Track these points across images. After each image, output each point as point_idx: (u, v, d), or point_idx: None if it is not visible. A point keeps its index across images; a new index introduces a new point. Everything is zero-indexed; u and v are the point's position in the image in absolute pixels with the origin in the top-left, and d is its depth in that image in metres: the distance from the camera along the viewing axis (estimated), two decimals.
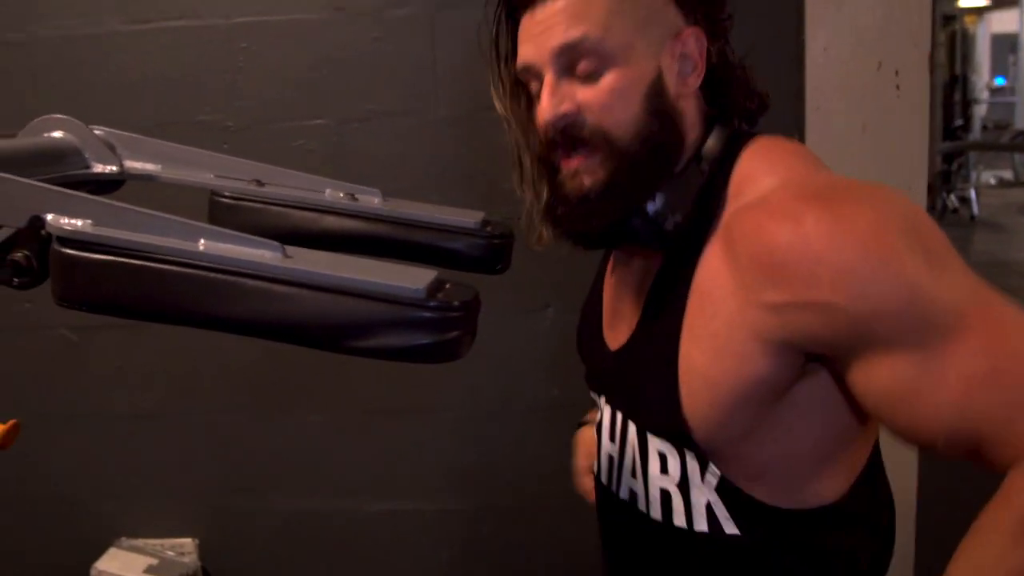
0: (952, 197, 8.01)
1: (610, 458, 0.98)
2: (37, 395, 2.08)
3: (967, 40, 9.99)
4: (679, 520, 0.88)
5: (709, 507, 0.86)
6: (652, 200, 0.86)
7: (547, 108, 0.86)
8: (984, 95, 15.45)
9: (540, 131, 0.89)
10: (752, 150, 0.88)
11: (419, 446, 2.04)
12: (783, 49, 1.56)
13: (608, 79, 0.85)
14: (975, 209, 8.07)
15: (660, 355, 0.87)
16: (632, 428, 0.93)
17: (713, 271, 0.83)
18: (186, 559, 2.11)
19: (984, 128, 11.48)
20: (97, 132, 1.18)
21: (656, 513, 0.90)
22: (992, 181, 9.40)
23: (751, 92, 0.93)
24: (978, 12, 16.03)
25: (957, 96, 8.93)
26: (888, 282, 0.73)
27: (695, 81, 0.89)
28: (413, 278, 0.82)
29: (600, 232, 0.89)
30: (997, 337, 0.72)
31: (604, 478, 1.00)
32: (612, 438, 0.97)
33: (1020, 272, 6.41)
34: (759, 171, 0.85)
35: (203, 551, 2.12)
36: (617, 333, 0.98)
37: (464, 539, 2.07)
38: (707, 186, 0.87)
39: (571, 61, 0.85)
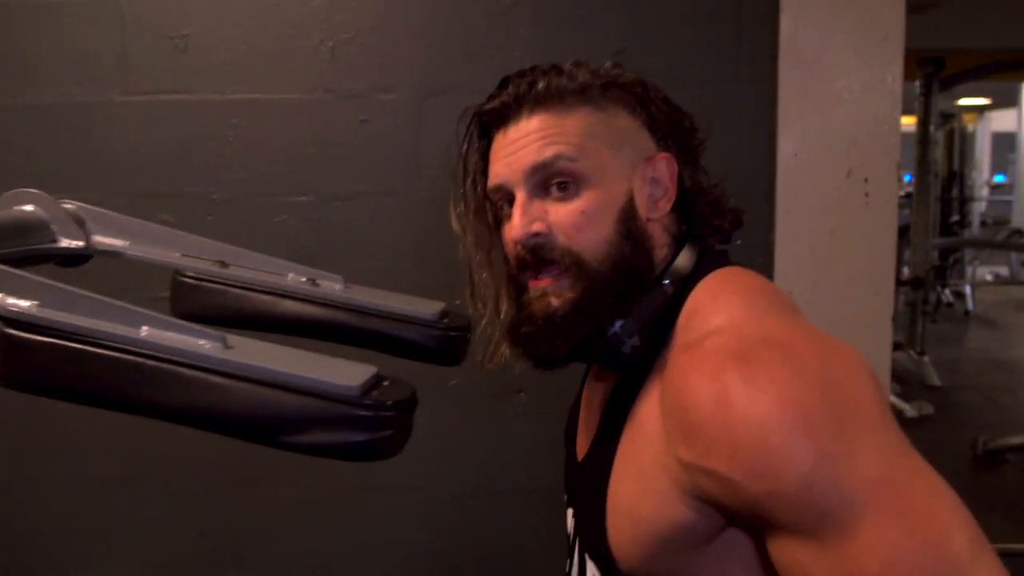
0: (947, 292, 8.04)
1: (567, 564, 0.98)
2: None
3: (965, 138, 10.14)
4: None
5: None
6: (612, 324, 0.85)
7: (518, 226, 0.87)
8: (984, 192, 15.64)
9: (510, 250, 0.90)
10: (709, 280, 0.87)
11: (383, 527, 2.02)
12: (756, 152, 1.59)
13: (580, 200, 0.86)
14: (969, 304, 8.10)
15: (597, 479, 0.87)
16: (578, 544, 0.93)
17: (650, 405, 0.82)
18: None
19: (983, 224, 11.57)
20: (67, 206, 1.20)
21: None
22: (988, 277, 9.45)
23: (723, 211, 0.93)
24: (979, 111, 16.34)
25: (955, 192, 9.01)
26: (785, 465, 0.67)
27: (665, 205, 0.90)
28: (350, 374, 0.83)
29: (564, 355, 0.88)
30: (890, 539, 0.65)
31: None
32: (568, 547, 0.97)
33: (1010, 369, 6.41)
34: (708, 307, 0.83)
35: None
36: (582, 444, 0.98)
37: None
38: (668, 307, 0.86)
39: (544, 180, 0.86)
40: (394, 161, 1.92)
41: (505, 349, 0.96)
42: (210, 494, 2.05)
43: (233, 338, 0.84)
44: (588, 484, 0.90)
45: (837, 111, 1.53)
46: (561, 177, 0.85)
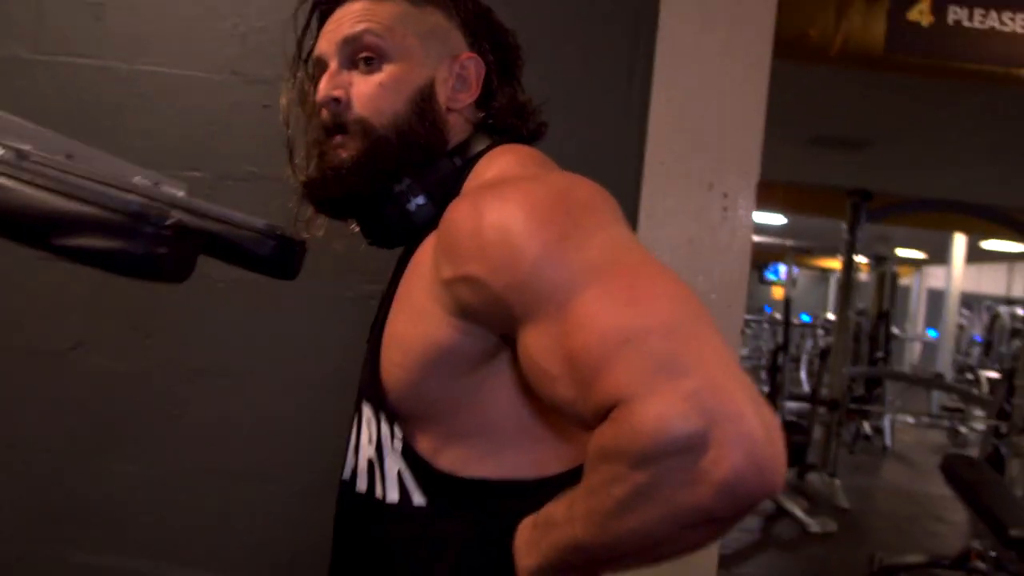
0: (866, 425, 8.16)
1: (347, 442, 0.99)
2: None
3: (895, 280, 10.50)
4: (379, 491, 0.89)
5: (400, 476, 0.87)
6: (399, 183, 0.93)
7: (321, 90, 0.96)
8: (916, 346, 16.07)
9: (317, 118, 0.98)
10: (492, 152, 0.96)
11: (229, 513, 1.96)
12: (625, 154, 1.67)
13: (380, 74, 0.94)
14: (887, 440, 8.22)
15: (377, 326, 0.92)
16: (358, 400, 0.95)
17: (425, 251, 0.88)
18: None
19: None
20: None
21: (362, 485, 0.91)
22: (910, 420, 9.61)
23: (525, 116, 1.01)
24: (915, 265, 16.99)
25: (882, 330, 9.26)
26: (519, 255, 0.74)
27: (466, 99, 0.98)
28: (139, 196, 0.85)
29: (341, 200, 0.95)
30: (611, 303, 0.70)
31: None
32: (351, 420, 0.98)
33: (918, 502, 6.47)
34: (484, 167, 0.93)
35: None
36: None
37: None
38: (455, 177, 0.94)
39: (352, 54, 0.95)
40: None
41: (321, 220, 1.01)
42: (46, 466, 1.98)
43: (36, 154, 0.86)
44: (372, 337, 0.93)
45: (703, 127, 1.61)
46: (367, 51, 0.94)
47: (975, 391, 8.08)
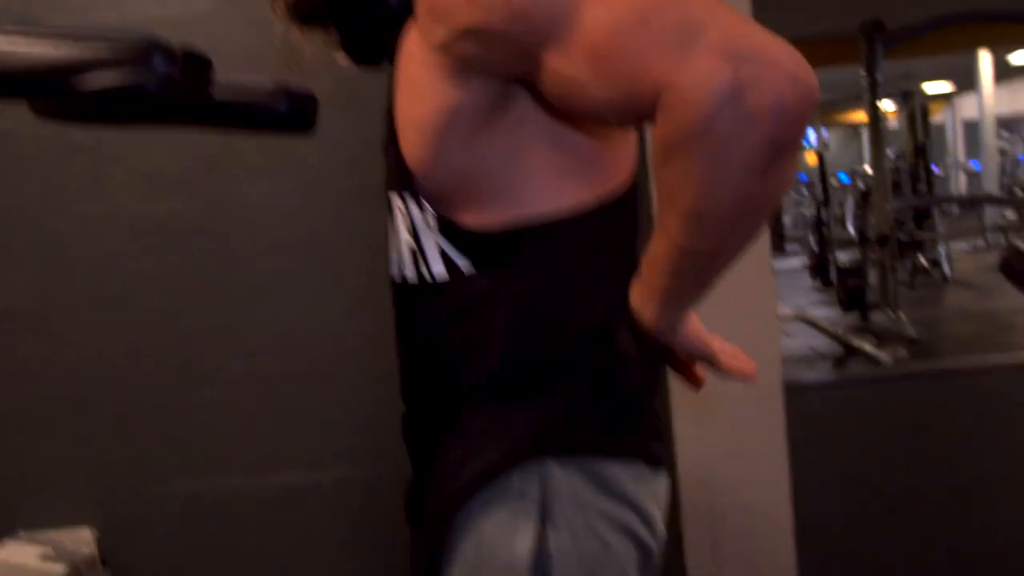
0: (922, 258, 8.08)
1: (389, 253, 1.01)
2: None
3: (926, 114, 10.27)
4: (426, 273, 0.91)
5: (441, 249, 0.89)
6: None
7: None
8: (960, 176, 15.75)
9: None
10: None
11: (311, 414, 2.04)
12: None
13: None
14: (946, 269, 8.13)
15: (388, 116, 0.93)
16: (388, 196, 0.97)
17: (410, 33, 0.89)
18: (84, 549, 2.07)
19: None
20: None
21: (411, 274, 0.93)
22: (964, 247, 9.50)
23: None
24: (945, 99, 16.55)
25: (921, 166, 9.10)
26: None
27: None
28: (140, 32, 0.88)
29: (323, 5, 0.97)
30: (605, 7, 0.71)
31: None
32: (386, 229, 1.01)
33: (989, 321, 6.41)
34: None
35: (102, 539, 2.08)
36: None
37: (361, 509, 2.04)
38: None
39: None
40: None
41: (307, 52, 1.02)
42: (135, 405, 2.07)
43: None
44: (388, 137, 0.94)
45: None
46: None
47: None
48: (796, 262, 10.41)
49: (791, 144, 0.66)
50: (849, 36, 6.48)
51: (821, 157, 8.17)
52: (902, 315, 6.05)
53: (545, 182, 0.86)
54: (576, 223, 0.87)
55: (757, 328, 1.78)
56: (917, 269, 8.04)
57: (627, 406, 0.91)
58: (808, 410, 2.15)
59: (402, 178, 0.90)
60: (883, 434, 2.31)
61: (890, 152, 9.11)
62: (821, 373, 3.86)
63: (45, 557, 2.01)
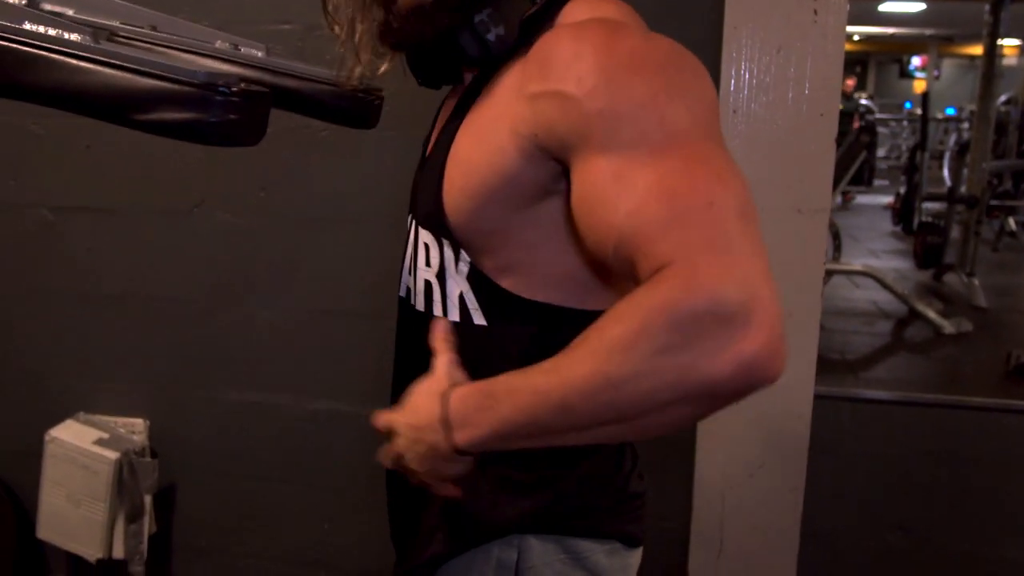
0: (1011, 220, 7.75)
1: (402, 263, 1.05)
2: (8, 272, 2.23)
3: None
4: (437, 310, 0.94)
5: (462, 298, 0.92)
6: (479, 12, 0.91)
7: None
8: None
9: None
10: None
11: (358, 350, 2.12)
12: None
13: None
14: None
15: (441, 150, 0.94)
16: (413, 225, 0.99)
17: (507, 75, 0.89)
18: (136, 437, 2.23)
19: None
20: None
21: (420, 304, 0.97)
22: None
23: None
24: None
25: None
26: (624, 88, 0.76)
27: None
28: (206, 67, 0.90)
29: (432, 38, 0.93)
30: (691, 168, 0.72)
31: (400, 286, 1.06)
32: (406, 243, 1.03)
33: None
34: (583, 11, 0.90)
35: (152, 432, 2.23)
36: (429, 147, 1.05)
37: None
38: (535, 17, 0.93)
39: None
40: None
41: (359, 69, 1.01)
42: (196, 314, 2.18)
43: (126, 28, 0.92)
44: (430, 163, 0.95)
45: None
46: None
47: None
48: (884, 199, 10.08)
49: (721, 400, 0.66)
50: None
51: (926, 96, 7.75)
52: (976, 281, 5.86)
53: (575, 272, 0.88)
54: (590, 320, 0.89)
55: (793, 340, 1.76)
56: (1004, 231, 7.73)
57: (611, 493, 0.95)
58: (835, 421, 2.15)
59: (436, 218, 0.91)
60: (904, 456, 2.28)
61: (1002, 97, 8.64)
62: (849, 390, 3.68)
63: (100, 442, 2.17)
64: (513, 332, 0.90)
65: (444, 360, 0.87)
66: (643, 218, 0.71)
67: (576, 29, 0.83)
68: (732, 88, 1.59)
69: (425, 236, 0.94)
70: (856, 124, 9.49)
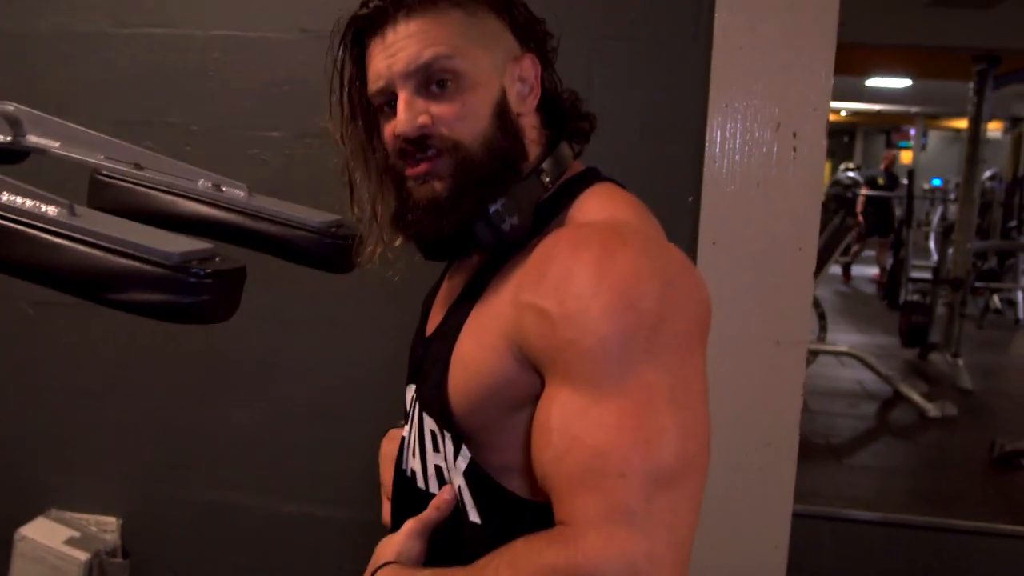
0: (996, 298, 7.82)
1: (403, 439, 1.04)
2: None
3: None
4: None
5: (459, 492, 0.92)
6: (494, 202, 0.91)
7: (404, 121, 0.91)
8: None
9: (391, 144, 0.95)
10: (595, 190, 0.95)
11: (333, 452, 2.10)
12: (688, 101, 1.62)
13: (459, 96, 0.92)
14: (1020, 312, 7.86)
15: (446, 339, 0.94)
16: (417, 407, 0.99)
17: (511, 270, 0.90)
18: (108, 536, 2.19)
19: None
20: (8, 107, 1.32)
21: (434, 487, 0.96)
22: None
23: (582, 113, 1.02)
24: None
25: (1017, 199, 8.73)
26: (598, 323, 0.77)
27: (532, 102, 0.97)
28: (177, 245, 0.90)
29: (450, 233, 0.93)
30: (622, 427, 0.75)
31: (401, 459, 1.05)
32: (408, 420, 1.03)
33: None
34: (596, 207, 0.92)
35: (125, 530, 2.20)
36: (433, 322, 1.04)
37: (367, 551, 2.11)
38: (548, 203, 0.95)
39: (424, 80, 0.91)
40: None
41: (380, 249, 1.03)
42: (172, 411, 2.16)
43: (81, 208, 0.92)
44: (435, 348, 0.96)
45: (769, 63, 1.55)
46: (441, 75, 0.91)
47: None
48: (870, 270, 10.16)
49: None
50: (963, 50, 6.20)
51: (911, 173, 7.87)
52: (961, 362, 5.89)
53: None
54: None
55: (772, 469, 1.76)
56: (988, 308, 7.79)
57: None
58: (812, 540, 2.13)
59: (443, 411, 0.92)
60: None
61: (988, 172, 8.76)
62: (828, 510, 3.63)
63: (71, 541, 2.13)
64: (510, 532, 0.90)
65: (409, 527, 0.92)
66: (561, 468, 0.76)
67: (578, 238, 0.84)
68: (712, 220, 1.61)
69: (430, 423, 0.95)
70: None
